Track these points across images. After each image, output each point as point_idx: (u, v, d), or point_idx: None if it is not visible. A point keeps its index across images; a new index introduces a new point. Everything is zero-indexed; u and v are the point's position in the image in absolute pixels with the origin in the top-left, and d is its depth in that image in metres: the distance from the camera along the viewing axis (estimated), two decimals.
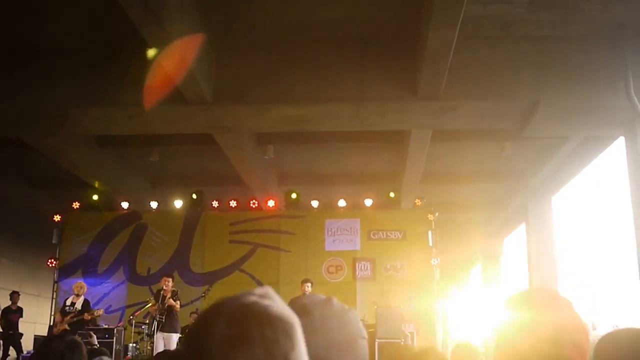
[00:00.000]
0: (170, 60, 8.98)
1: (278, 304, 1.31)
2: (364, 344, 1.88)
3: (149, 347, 11.84)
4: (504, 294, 19.55)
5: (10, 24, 9.87)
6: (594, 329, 12.03)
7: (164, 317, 11.56)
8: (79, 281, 13.26)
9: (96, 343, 11.65)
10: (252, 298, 1.28)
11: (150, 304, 12.05)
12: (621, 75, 9.80)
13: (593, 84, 10.06)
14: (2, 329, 14.05)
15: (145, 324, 12.27)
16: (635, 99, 9.73)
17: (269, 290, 1.33)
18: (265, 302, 1.29)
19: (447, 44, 8.71)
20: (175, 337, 11.58)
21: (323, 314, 1.85)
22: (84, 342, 3.95)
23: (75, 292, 12.56)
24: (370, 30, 10.06)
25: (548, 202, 16.54)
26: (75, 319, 12.09)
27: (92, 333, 12.11)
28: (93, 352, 4.91)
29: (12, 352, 14.01)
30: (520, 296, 1.87)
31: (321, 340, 1.80)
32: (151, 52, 8.97)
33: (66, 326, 11.89)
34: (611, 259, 13.83)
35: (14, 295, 14.64)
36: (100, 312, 12.95)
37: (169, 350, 8.36)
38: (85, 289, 12.78)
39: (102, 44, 10.23)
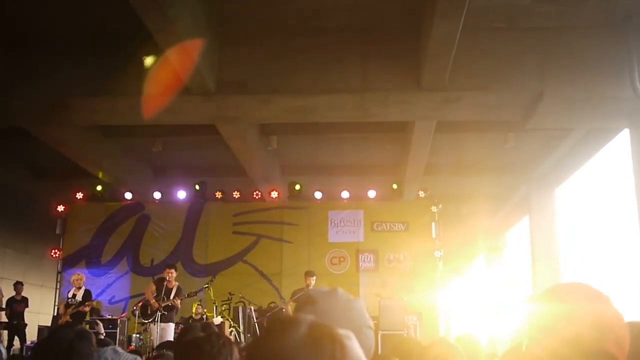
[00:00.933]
0: (176, 55, 8.96)
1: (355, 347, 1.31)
2: (370, 334, 1.87)
3: (151, 338, 11.89)
4: (517, 287, 19.56)
5: (13, 13, 9.85)
6: None
7: (166, 311, 11.64)
8: (77, 273, 13.28)
9: (103, 332, 11.72)
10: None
11: (148, 289, 12.10)
12: (626, 67, 9.75)
13: (598, 75, 10.01)
14: (7, 319, 14.11)
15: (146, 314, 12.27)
16: None
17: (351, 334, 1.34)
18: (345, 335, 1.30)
19: (451, 34, 8.67)
20: (172, 327, 11.65)
21: (328, 303, 1.84)
22: (92, 331, 3.96)
23: (75, 285, 12.61)
24: (374, 20, 10.02)
25: (551, 194, 16.50)
26: (75, 311, 12.16)
27: (98, 321, 12.18)
28: (100, 343, 4.92)
29: (16, 342, 14.06)
30: (558, 288, 1.81)
31: None
32: (155, 43, 8.94)
33: (68, 318, 11.95)
34: (615, 251, 13.80)
35: (18, 286, 14.68)
36: (94, 303, 12.93)
37: (171, 341, 8.38)
38: (84, 280, 12.82)
39: (105, 33, 10.21)
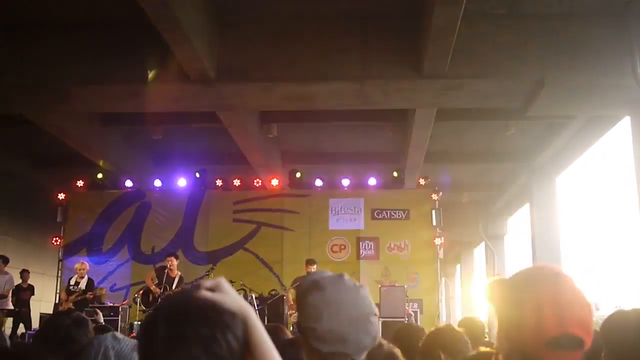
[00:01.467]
0: (176, 42, 8.93)
1: (222, 296, 1.32)
2: (376, 321, 1.89)
3: None
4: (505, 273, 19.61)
5: (13, 1, 9.82)
6: (597, 309, 12.06)
7: None
8: (81, 261, 13.33)
9: (102, 320, 11.73)
10: (191, 294, 1.32)
11: (148, 276, 12.14)
12: (627, 54, 9.71)
13: (599, 62, 9.98)
14: (13, 305, 14.19)
15: (148, 303, 12.29)
16: None
17: (220, 281, 1.36)
18: (205, 294, 1.31)
19: (452, 21, 8.63)
20: None
21: (336, 289, 1.85)
22: (91, 319, 3.96)
23: (79, 274, 12.66)
24: (375, 7, 9.98)
25: (552, 183, 16.52)
26: (79, 298, 12.21)
27: (97, 310, 12.20)
28: (99, 329, 4.93)
29: (21, 329, 14.13)
30: (520, 274, 1.78)
31: (334, 315, 1.80)
32: (156, 30, 8.91)
33: (71, 305, 12.00)
34: (615, 239, 13.82)
35: (24, 274, 14.79)
36: (104, 290, 13.04)
37: None
38: (87, 268, 12.87)
39: (106, 20, 10.17)
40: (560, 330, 1.60)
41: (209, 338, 1.25)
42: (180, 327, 1.26)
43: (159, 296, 11.65)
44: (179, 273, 12.20)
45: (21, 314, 14.11)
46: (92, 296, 12.34)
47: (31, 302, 14.69)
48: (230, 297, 1.37)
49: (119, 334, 4.72)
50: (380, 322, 10.50)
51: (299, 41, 10.20)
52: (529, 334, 1.62)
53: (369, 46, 10.14)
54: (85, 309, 12.03)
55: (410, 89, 10.51)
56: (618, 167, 13.07)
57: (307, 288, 1.89)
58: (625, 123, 11.47)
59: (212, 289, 1.36)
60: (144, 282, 13.53)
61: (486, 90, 10.64)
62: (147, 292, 12.08)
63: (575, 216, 16.36)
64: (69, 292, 12.43)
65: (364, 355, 1.88)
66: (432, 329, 3.87)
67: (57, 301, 14.41)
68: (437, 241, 15.34)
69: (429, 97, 10.83)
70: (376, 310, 1.89)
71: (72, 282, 12.66)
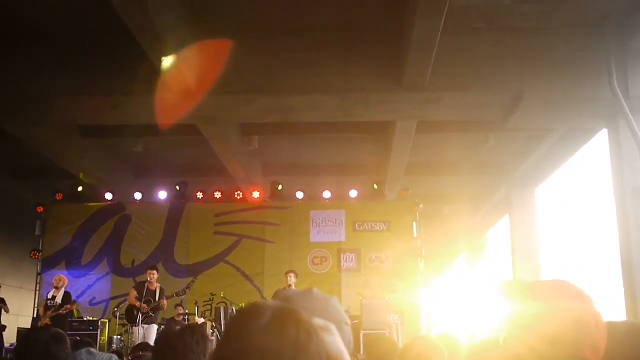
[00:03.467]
0: (157, 54, 8.92)
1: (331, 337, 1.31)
2: (348, 330, 1.89)
3: (133, 340, 11.81)
4: (500, 283, 19.63)
5: None
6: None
7: (153, 313, 11.60)
8: (59, 274, 13.16)
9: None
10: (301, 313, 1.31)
11: (131, 295, 12.04)
12: (605, 67, 9.86)
13: (577, 75, 10.12)
14: None
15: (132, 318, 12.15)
16: (618, 90, 9.80)
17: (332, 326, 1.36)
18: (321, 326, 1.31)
19: (432, 34, 8.71)
20: (154, 328, 11.61)
21: (306, 303, 1.85)
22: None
23: (55, 285, 12.49)
24: (356, 21, 10.04)
25: (532, 194, 16.65)
26: (55, 314, 12.04)
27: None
28: (78, 344, 4.88)
29: None
30: (539, 285, 1.78)
31: None
32: (136, 42, 8.89)
33: (48, 321, 11.80)
34: (594, 250, 13.95)
35: None
36: (77, 305, 12.80)
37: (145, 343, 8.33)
38: (66, 282, 12.68)
39: (86, 32, 10.13)
40: (574, 353, 1.62)
41: (303, 343, 1.25)
42: (286, 323, 1.25)
43: (146, 312, 11.53)
44: (159, 285, 12.11)
45: None
46: (64, 312, 12.15)
47: (8, 317, 14.43)
48: (338, 343, 1.34)
49: (92, 349, 4.68)
50: (362, 334, 10.44)
51: (280, 53, 10.23)
52: (545, 344, 1.63)
53: (350, 59, 10.19)
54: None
55: (391, 101, 10.57)
56: (596, 178, 13.20)
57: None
58: (603, 135, 11.61)
59: (323, 329, 1.33)
60: (123, 295, 13.39)
61: (466, 103, 10.73)
62: (130, 308, 11.95)
63: (554, 227, 16.48)
64: (46, 307, 12.25)
65: None
66: (407, 341, 3.86)
67: (35, 316, 14.19)
68: (418, 253, 15.36)
69: (410, 110, 10.90)
70: (348, 319, 1.90)
71: (50, 296, 12.48)
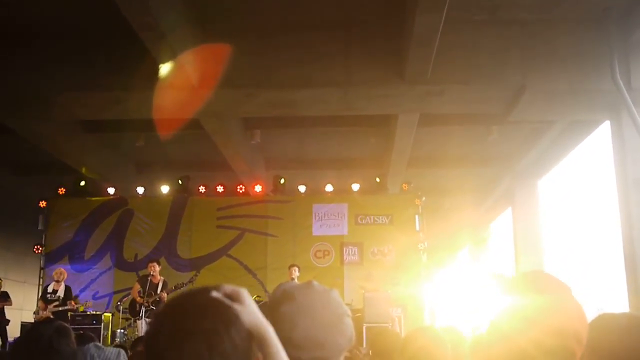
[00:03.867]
0: (159, 50, 8.92)
1: (240, 307, 1.33)
2: (349, 322, 1.90)
3: (136, 334, 11.85)
4: (497, 278, 19.66)
5: None
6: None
7: (154, 306, 11.64)
8: (59, 267, 13.18)
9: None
10: (204, 292, 1.34)
11: (134, 289, 12.09)
12: (607, 59, 9.83)
13: (579, 68, 10.09)
14: None
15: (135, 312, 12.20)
16: (621, 83, 9.76)
17: (241, 291, 1.36)
18: (218, 297, 1.32)
19: (434, 27, 8.69)
20: None
21: (306, 296, 1.86)
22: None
23: (55, 279, 12.51)
24: (357, 13, 10.02)
25: (534, 186, 16.63)
26: (60, 309, 12.06)
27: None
28: (82, 338, 4.89)
29: None
30: (520, 281, 1.80)
31: (309, 321, 1.82)
32: (138, 38, 8.88)
33: (50, 314, 11.83)
34: (596, 242, 13.95)
35: None
36: (89, 304, 12.91)
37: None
38: (65, 275, 12.72)
39: (88, 29, 10.13)
40: (560, 343, 1.64)
41: (212, 332, 1.26)
42: (185, 322, 1.27)
43: (145, 305, 11.58)
44: (162, 278, 12.14)
45: None
46: (75, 307, 12.20)
47: (11, 311, 14.46)
48: (248, 309, 1.35)
49: (99, 344, 4.70)
50: (364, 327, 10.44)
51: (282, 48, 10.22)
52: (526, 343, 1.63)
53: (352, 53, 10.18)
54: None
55: (393, 94, 10.56)
56: (599, 170, 13.19)
57: (278, 299, 1.91)
58: (605, 127, 11.59)
59: (230, 297, 1.35)
60: (126, 289, 13.42)
61: (468, 96, 10.71)
62: (133, 302, 12.00)
63: (557, 220, 16.48)
64: (46, 301, 12.26)
65: (342, 357, 1.90)
66: (409, 332, 3.85)
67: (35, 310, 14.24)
68: (421, 246, 15.37)
69: (412, 103, 10.88)
70: (349, 311, 1.91)
71: (50, 289, 12.48)
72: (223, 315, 1.29)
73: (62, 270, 12.76)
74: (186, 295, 1.38)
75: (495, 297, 1.79)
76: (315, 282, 1.93)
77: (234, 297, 1.35)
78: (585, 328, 1.69)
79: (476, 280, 21.04)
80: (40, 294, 13.05)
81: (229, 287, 1.37)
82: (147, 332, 1.33)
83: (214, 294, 1.34)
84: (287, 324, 1.80)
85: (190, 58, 9.65)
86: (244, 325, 1.32)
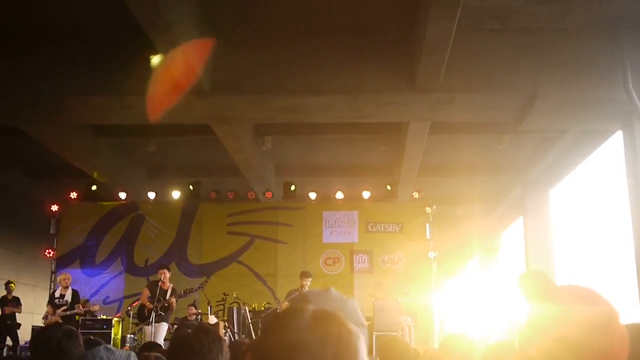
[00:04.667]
0: (171, 55, 8.96)
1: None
2: (365, 332, 1.89)
3: (145, 339, 11.89)
4: (510, 289, 19.54)
5: (8, 11, 9.83)
6: None
7: (163, 312, 11.69)
8: (64, 272, 13.26)
9: None
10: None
11: (143, 294, 12.15)
12: (619, 69, 9.78)
13: (591, 77, 10.05)
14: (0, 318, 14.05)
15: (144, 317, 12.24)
16: (633, 92, 9.71)
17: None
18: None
19: (445, 35, 8.69)
20: (164, 326, 11.70)
21: (321, 302, 1.86)
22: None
23: (64, 285, 12.59)
24: (369, 21, 10.03)
25: (546, 196, 16.55)
26: (68, 313, 12.14)
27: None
28: (91, 343, 4.91)
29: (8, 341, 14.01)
30: (554, 290, 1.77)
31: None
32: (150, 43, 8.93)
33: (59, 319, 11.90)
34: (608, 252, 13.84)
35: (9, 285, 14.64)
36: (97, 307, 12.97)
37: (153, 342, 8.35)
38: (70, 280, 12.83)
39: (100, 32, 10.20)
40: (591, 349, 1.61)
41: (346, 340, 1.28)
42: (328, 323, 1.29)
43: (151, 309, 11.63)
44: (171, 285, 12.19)
45: (7, 327, 13.96)
46: (80, 313, 12.26)
47: (22, 314, 14.55)
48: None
49: (110, 346, 4.71)
50: (374, 335, 10.42)
51: (293, 54, 10.24)
52: (560, 347, 1.61)
53: (362, 60, 10.19)
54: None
55: (404, 102, 10.56)
56: (611, 180, 13.11)
57: (294, 303, 1.91)
58: (617, 137, 11.52)
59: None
60: (136, 294, 13.46)
61: (479, 104, 10.69)
62: (142, 307, 12.06)
63: (569, 229, 16.37)
64: (54, 306, 12.34)
65: None
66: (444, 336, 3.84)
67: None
68: (431, 254, 15.33)
69: (422, 111, 10.87)
70: (364, 321, 1.90)
71: (57, 294, 12.57)
72: (355, 335, 1.32)
73: (67, 276, 12.85)
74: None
75: (512, 306, 1.77)
76: (333, 289, 1.92)
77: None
78: (622, 338, 1.63)
79: (486, 289, 20.92)
80: (48, 299, 13.13)
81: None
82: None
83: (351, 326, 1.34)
84: None
85: (202, 64, 9.69)
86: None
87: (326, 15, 9.87)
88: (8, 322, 13.98)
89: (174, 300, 11.83)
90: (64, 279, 12.66)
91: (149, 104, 10.16)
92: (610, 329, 1.64)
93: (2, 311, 14.10)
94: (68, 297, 12.38)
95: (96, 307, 13.02)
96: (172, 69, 9.48)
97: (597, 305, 1.67)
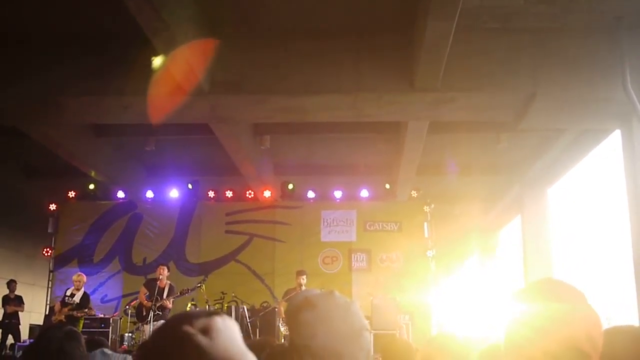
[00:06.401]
0: (170, 55, 8.96)
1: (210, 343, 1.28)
2: (368, 336, 1.89)
3: (143, 338, 11.89)
4: (509, 287, 19.60)
5: (4, 11, 9.82)
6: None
7: (160, 311, 11.68)
8: (78, 273, 13.16)
9: None
10: (177, 330, 1.29)
11: (140, 292, 12.14)
12: (618, 68, 9.80)
13: (590, 76, 10.06)
14: (3, 317, 14.08)
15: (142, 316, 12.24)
16: (632, 92, 9.73)
17: (213, 323, 1.31)
18: (184, 328, 1.28)
19: (445, 35, 8.69)
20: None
21: (327, 306, 1.85)
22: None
23: (76, 287, 12.51)
24: (368, 21, 10.03)
25: (544, 195, 16.58)
26: (72, 312, 12.13)
27: None
28: (91, 343, 4.92)
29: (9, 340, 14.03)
30: (532, 289, 1.79)
31: (328, 331, 1.80)
32: (148, 42, 8.93)
33: (63, 317, 11.90)
34: (606, 251, 13.88)
35: (12, 284, 14.67)
36: (92, 312, 12.91)
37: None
38: (84, 280, 12.72)
39: (98, 32, 10.18)
40: (573, 351, 1.64)
41: None
42: None
43: (149, 308, 11.62)
44: (169, 282, 12.18)
45: (10, 325, 13.98)
46: (80, 315, 12.24)
47: (20, 313, 14.57)
48: (218, 343, 1.26)
49: (107, 350, 4.70)
50: (371, 334, 10.47)
51: (292, 54, 10.24)
52: (562, 348, 1.63)
53: (362, 59, 10.19)
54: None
55: (403, 101, 10.56)
56: (609, 179, 13.14)
57: (298, 306, 1.89)
58: (616, 136, 11.54)
59: (203, 330, 1.27)
60: (134, 293, 13.44)
61: (478, 103, 10.70)
62: (140, 306, 12.05)
63: (566, 228, 16.41)
64: (63, 304, 12.32)
65: None
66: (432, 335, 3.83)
67: (47, 312, 14.29)
68: (429, 253, 15.34)
69: (421, 110, 10.88)
70: (368, 325, 1.90)
71: (68, 293, 12.54)
72: (191, 353, 1.25)
73: (80, 277, 12.66)
74: (160, 330, 1.35)
75: (506, 307, 1.79)
76: (337, 292, 1.92)
77: (206, 331, 1.27)
78: (601, 334, 1.68)
79: (485, 287, 20.97)
80: (53, 297, 13.09)
81: (202, 321, 1.29)
82: None
83: (186, 328, 1.27)
84: (306, 331, 1.79)
85: (201, 64, 9.69)
86: None
87: (326, 15, 9.87)
88: (12, 321, 14.02)
89: (167, 302, 11.83)
90: (77, 280, 12.56)
91: (149, 104, 10.15)
92: (590, 326, 1.67)
93: (4, 310, 14.13)
94: (77, 298, 12.36)
95: (91, 312, 12.91)
96: (172, 69, 9.47)
97: (581, 299, 1.71)
